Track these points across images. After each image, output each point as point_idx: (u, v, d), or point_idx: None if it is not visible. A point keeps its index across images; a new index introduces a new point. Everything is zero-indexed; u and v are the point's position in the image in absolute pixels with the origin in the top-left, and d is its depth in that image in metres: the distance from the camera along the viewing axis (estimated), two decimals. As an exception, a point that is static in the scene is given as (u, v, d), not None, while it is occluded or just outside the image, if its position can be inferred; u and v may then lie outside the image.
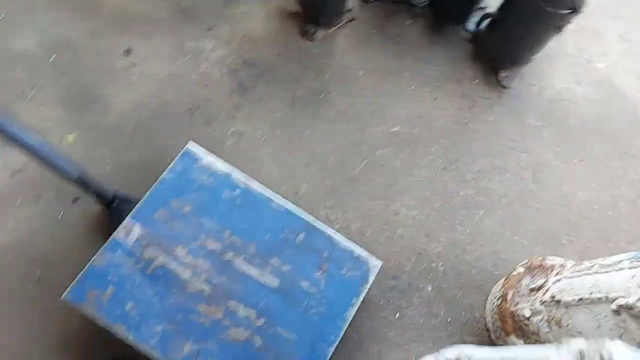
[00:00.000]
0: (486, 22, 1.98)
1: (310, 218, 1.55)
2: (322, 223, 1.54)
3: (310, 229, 1.55)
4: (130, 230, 1.50)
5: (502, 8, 1.89)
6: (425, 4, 2.11)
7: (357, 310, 1.49)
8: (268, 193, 1.55)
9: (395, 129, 1.91)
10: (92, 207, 1.67)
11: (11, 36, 1.91)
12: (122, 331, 1.39)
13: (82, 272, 1.42)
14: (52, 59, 1.89)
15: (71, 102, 1.83)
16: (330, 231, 1.56)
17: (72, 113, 1.82)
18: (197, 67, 1.93)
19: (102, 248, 1.46)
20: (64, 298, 1.38)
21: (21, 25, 1.94)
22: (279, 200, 1.55)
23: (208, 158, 1.59)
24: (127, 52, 1.93)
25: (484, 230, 1.77)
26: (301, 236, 1.54)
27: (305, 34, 2.02)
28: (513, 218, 1.79)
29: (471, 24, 2.06)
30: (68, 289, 1.39)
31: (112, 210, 1.61)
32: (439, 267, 1.71)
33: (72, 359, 1.51)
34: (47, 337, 1.53)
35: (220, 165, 1.58)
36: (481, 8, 2.02)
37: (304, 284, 1.52)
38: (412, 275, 1.69)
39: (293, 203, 1.53)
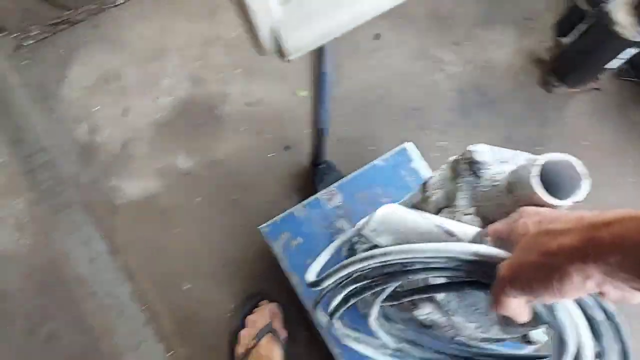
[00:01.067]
0: None
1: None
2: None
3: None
4: (332, 197, 1.62)
5: None
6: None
7: None
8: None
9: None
10: (298, 159, 1.83)
11: None
12: (294, 280, 1.53)
13: (282, 215, 1.57)
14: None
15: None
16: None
17: (308, 72, 1.98)
18: (431, 74, 1.99)
19: (305, 201, 1.61)
20: (260, 229, 1.54)
21: None
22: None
23: (421, 162, 1.66)
24: (377, 36, 2.04)
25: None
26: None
27: (545, 84, 1.99)
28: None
29: None
30: (266, 223, 1.54)
31: (318, 171, 1.75)
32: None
33: (227, 277, 1.69)
34: (222, 252, 1.72)
35: (429, 174, 1.64)
36: None
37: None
38: None
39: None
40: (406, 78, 1.99)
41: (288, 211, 1.61)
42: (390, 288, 0.75)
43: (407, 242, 0.67)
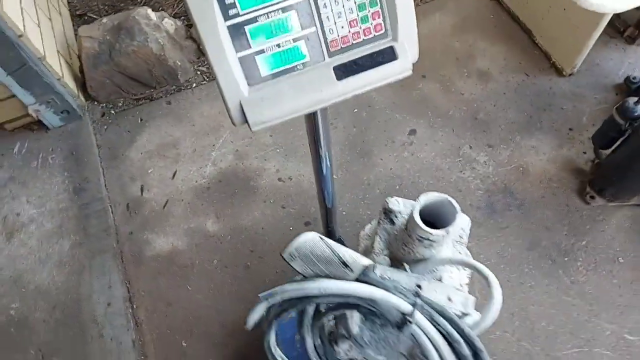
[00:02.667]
0: None
1: None
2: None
3: None
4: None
5: None
6: None
7: None
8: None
9: (630, 338, 1.64)
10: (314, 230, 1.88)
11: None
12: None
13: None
14: (355, 111, 2.23)
15: (348, 146, 2.13)
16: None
17: (344, 155, 2.11)
18: (461, 172, 2.02)
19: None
20: (260, 295, 1.58)
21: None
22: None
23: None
24: (412, 132, 2.14)
25: None
26: None
27: (582, 194, 1.92)
28: None
29: None
30: (267, 292, 1.58)
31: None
32: None
33: (222, 338, 1.71)
34: (224, 314, 1.77)
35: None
36: None
37: None
38: None
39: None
40: (435, 173, 2.03)
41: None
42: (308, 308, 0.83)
43: (314, 271, 0.75)
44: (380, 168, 2.06)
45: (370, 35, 0.84)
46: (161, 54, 2.24)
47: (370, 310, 0.76)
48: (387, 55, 0.85)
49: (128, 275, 1.89)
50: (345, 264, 0.77)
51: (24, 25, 1.83)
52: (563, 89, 2.21)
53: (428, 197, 0.75)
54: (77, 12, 2.63)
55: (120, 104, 2.35)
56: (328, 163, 1.27)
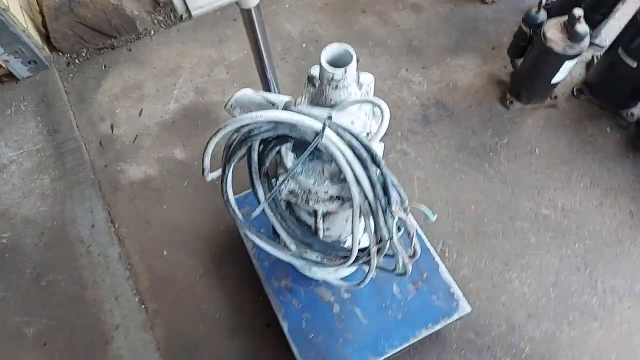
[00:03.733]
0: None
1: (427, 242, 1.73)
2: (435, 251, 1.69)
3: (423, 249, 1.72)
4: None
5: None
6: (634, 121, 2.10)
7: (428, 337, 1.60)
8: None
9: (545, 212, 1.95)
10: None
11: (285, 21, 2.54)
12: (249, 245, 1.76)
13: (246, 192, 1.83)
14: (304, 46, 2.45)
15: (299, 77, 2.35)
16: (438, 259, 1.71)
17: (295, 85, 2.34)
18: (399, 92, 2.28)
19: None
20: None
21: (295, 16, 2.56)
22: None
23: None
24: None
25: (590, 343, 1.68)
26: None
27: (503, 100, 2.21)
28: (626, 349, 1.66)
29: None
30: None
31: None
32: (526, 349, 1.69)
33: (199, 246, 1.95)
34: (197, 227, 2.00)
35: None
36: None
37: (395, 288, 1.69)
38: (496, 342, 1.71)
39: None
40: (376, 94, 2.28)
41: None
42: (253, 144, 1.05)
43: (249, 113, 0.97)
44: (328, 93, 2.30)
45: None
46: (118, 4, 2.40)
47: (294, 138, 1.00)
48: None
49: (107, 201, 2.10)
50: (272, 103, 1.01)
51: (-14, -25, 1.97)
52: (486, 14, 2.48)
53: (332, 47, 0.99)
54: (33, -28, 2.74)
55: (84, 54, 2.50)
56: (269, 61, 1.50)
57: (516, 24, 2.41)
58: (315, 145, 0.96)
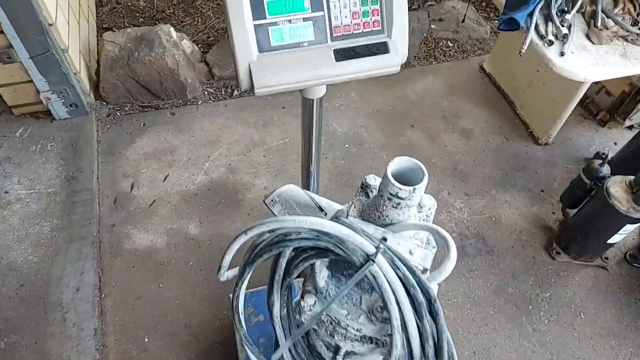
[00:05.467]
0: None
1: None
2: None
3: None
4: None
5: None
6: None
7: None
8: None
9: (588, 391, 1.67)
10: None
11: (333, 119, 2.50)
12: (242, 356, 1.52)
13: (253, 289, 1.63)
14: (346, 146, 2.38)
15: (335, 176, 2.24)
16: None
17: (330, 183, 2.21)
18: (438, 214, 2.13)
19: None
20: (230, 295, 1.61)
21: (344, 116, 2.52)
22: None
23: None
24: (396, 172, 2.28)
25: None
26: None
27: (548, 249, 2.02)
28: None
29: None
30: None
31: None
32: None
33: (186, 339, 1.70)
34: (190, 315, 1.77)
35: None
36: None
37: None
38: None
39: None
40: (414, 212, 2.13)
41: (262, 288, 1.67)
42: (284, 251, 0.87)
43: (292, 213, 0.81)
44: (363, 199, 2.16)
45: (369, 29, 0.99)
46: (175, 68, 2.41)
47: (337, 255, 0.82)
48: (381, 48, 0.99)
49: (102, 264, 1.90)
50: (320, 208, 0.85)
51: (56, 16, 1.99)
52: (538, 155, 2.39)
53: (401, 160, 0.85)
54: (104, 25, 2.84)
55: (127, 108, 2.47)
56: (316, 153, 1.38)
57: (568, 170, 2.31)
58: (364, 271, 0.78)
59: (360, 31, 0.98)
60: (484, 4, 3.25)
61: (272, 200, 0.91)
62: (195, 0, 3.05)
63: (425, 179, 0.86)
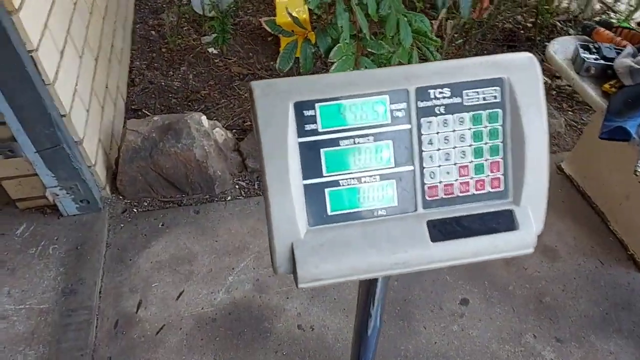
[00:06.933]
0: None
1: None
2: None
3: None
4: None
5: None
6: None
7: None
8: None
9: None
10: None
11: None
12: None
13: None
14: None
15: (387, 303, 1.80)
16: None
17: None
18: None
19: None
20: None
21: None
22: None
23: None
24: (464, 301, 1.82)
25: None
26: None
27: None
28: None
29: None
30: None
31: None
32: None
33: None
34: None
35: None
36: None
37: None
38: None
39: None
40: (487, 359, 1.64)
41: None
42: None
43: None
44: (422, 338, 1.70)
45: (483, 191, 0.62)
46: (203, 161, 2.10)
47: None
48: (504, 221, 0.61)
49: (87, 415, 1.50)
50: None
51: (71, 107, 1.74)
52: (645, 286, 1.88)
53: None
54: (132, 107, 2.62)
55: (146, 204, 2.16)
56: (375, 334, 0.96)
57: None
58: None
59: (469, 193, 0.61)
60: (553, 92, 2.87)
61: None
62: (233, 82, 2.83)
63: None
